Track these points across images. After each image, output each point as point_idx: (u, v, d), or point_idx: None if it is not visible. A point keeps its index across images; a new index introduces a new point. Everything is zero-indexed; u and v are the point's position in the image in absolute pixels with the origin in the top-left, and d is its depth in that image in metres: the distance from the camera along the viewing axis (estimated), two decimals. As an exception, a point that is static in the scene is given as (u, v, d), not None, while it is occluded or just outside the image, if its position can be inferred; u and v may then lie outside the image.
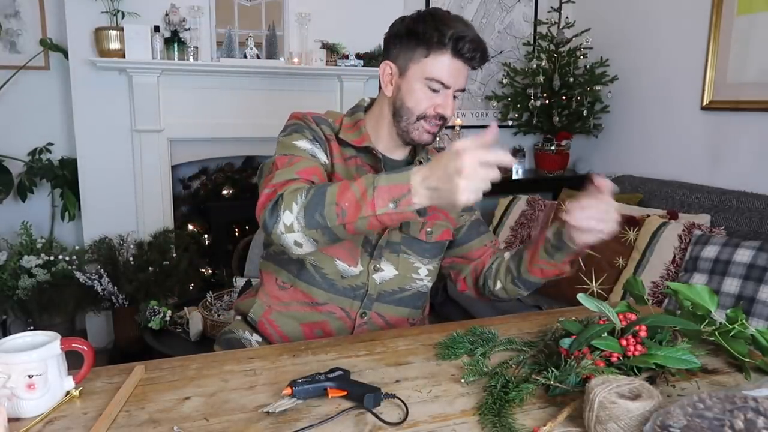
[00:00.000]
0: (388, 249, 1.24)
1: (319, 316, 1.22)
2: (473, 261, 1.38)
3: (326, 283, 1.21)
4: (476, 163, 0.83)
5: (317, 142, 1.19)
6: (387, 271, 1.24)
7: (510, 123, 3.62)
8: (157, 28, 2.76)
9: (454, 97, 1.17)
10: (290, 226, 0.98)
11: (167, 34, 2.78)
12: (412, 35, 1.14)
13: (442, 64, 1.13)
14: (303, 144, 1.16)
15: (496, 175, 0.85)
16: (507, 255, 1.33)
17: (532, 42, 3.66)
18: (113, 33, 2.68)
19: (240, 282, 2.55)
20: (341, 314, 1.22)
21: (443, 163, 0.87)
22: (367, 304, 1.24)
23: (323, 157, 1.18)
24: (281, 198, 1.00)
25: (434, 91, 1.15)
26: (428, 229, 1.28)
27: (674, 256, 2.28)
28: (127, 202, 2.93)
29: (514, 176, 3.56)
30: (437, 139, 3.81)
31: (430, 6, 3.50)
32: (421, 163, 1.27)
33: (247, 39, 2.93)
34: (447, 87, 1.14)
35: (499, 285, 1.32)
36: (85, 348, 0.92)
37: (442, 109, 1.16)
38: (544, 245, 1.21)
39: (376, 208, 0.92)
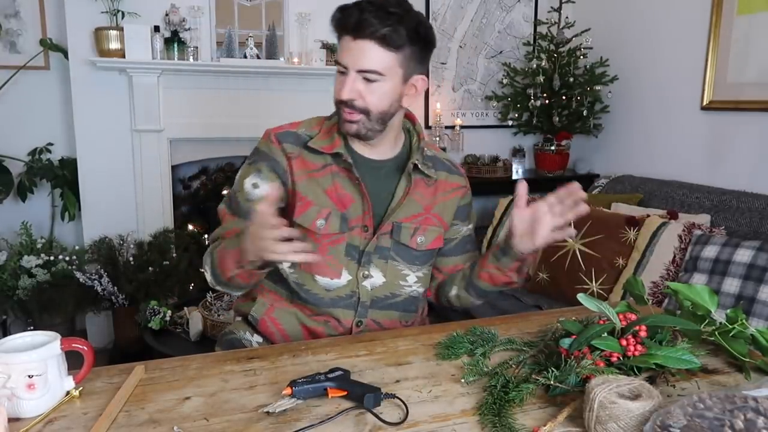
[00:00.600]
0: (378, 254, 1.22)
1: (315, 324, 1.22)
2: (445, 276, 1.36)
3: (313, 298, 1.21)
4: (269, 242, 0.96)
5: (271, 171, 1.20)
6: (376, 277, 1.22)
7: (510, 123, 3.62)
8: (157, 28, 2.76)
9: (369, 80, 1.10)
10: (211, 281, 1.20)
11: (167, 34, 2.78)
12: None
13: (340, 45, 1.13)
14: (249, 182, 1.21)
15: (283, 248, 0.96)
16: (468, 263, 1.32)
17: (532, 42, 3.66)
18: (113, 33, 2.68)
19: (240, 282, 2.54)
20: (335, 323, 1.21)
21: (251, 237, 1.00)
22: (362, 312, 1.22)
23: (267, 188, 1.19)
24: (204, 255, 1.21)
25: (342, 73, 1.13)
26: (419, 239, 1.24)
27: (674, 256, 2.28)
28: (127, 202, 2.93)
29: (514, 176, 3.56)
30: (437, 138, 3.77)
31: (430, 6, 3.50)
32: (416, 165, 1.23)
33: (247, 39, 2.93)
34: (345, 67, 1.11)
35: (454, 291, 1.31)
36: (85, 348, 0.92)
37: (337, 94, 1.13)
38: (494, 249, 1.21)
39: (229, 272, 1.10)
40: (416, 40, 1.11)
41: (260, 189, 1.20)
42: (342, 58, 1.11)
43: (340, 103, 1.15)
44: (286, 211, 1.21)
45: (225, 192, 3.24)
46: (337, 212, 1.19)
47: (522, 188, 1.10)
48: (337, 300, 1.21)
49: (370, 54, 1.09)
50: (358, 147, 1.23)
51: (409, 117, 1.29)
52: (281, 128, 1.26)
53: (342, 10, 1.10)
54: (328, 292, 1.20)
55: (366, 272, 1.21)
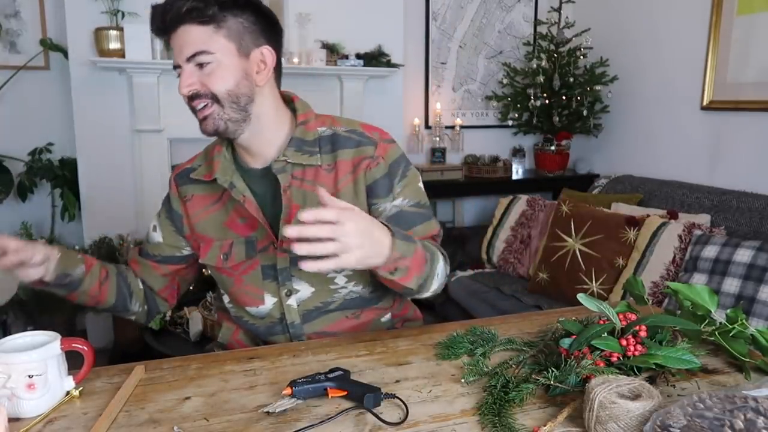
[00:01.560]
0: (297, 266, 1.07)
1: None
2: None
3: (251, 328, 1.20)
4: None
5: (167, 218, 1.20)
6: (303, 290, 1.14)
7: (510, 123, 3.62)
8: (157, 28, 2.76)
9: (201, 64, 1.03)
10: None
11: (167, 34, 2.78)
12: None
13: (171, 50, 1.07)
14: (152, 222, 1.23)
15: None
16: None
17: (532, 42, 3.66)
18: (113, 33, 2.68)
19: (240, 282, 2.54)
20: None
21: None
22: (297, 333, 1.17)
23: (160, 237, 1.20)
24: None
25: (179, 76, 1.07)
26: None
27: (674, 256, 2.28)
28: (127, 202, 2.92)
29: (514, 176, 3.56)
30: (437, 138, 3.76)
31: (430, 6, 3.50)
32: (287, 161, 1.09)
33: (247, 39, 2.92)
34: (178, 66, 1.06)
35: None
36: (85, 348, 0.92)
37: (180, 94, 1.06)
38: None
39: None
40: (238, 12, 1.03)
41: (156, 234, 1.22)
42: (173, 60, 1.05)
43: (189, 103, 1.06)
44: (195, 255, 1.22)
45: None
46: (240, 240, 1.14)
47: (321, 195, 0.86)
48: (272, 326, 1.17)
49: (188, 36, 1.02)
50: (246, 158, 1.15)
51: (291, 99, 1.17)
52: (182, 166, 1.22)
53: (152, 9, 1.04)
54: (262, 320, 1.18)
55: (288, 289, 1.14)
